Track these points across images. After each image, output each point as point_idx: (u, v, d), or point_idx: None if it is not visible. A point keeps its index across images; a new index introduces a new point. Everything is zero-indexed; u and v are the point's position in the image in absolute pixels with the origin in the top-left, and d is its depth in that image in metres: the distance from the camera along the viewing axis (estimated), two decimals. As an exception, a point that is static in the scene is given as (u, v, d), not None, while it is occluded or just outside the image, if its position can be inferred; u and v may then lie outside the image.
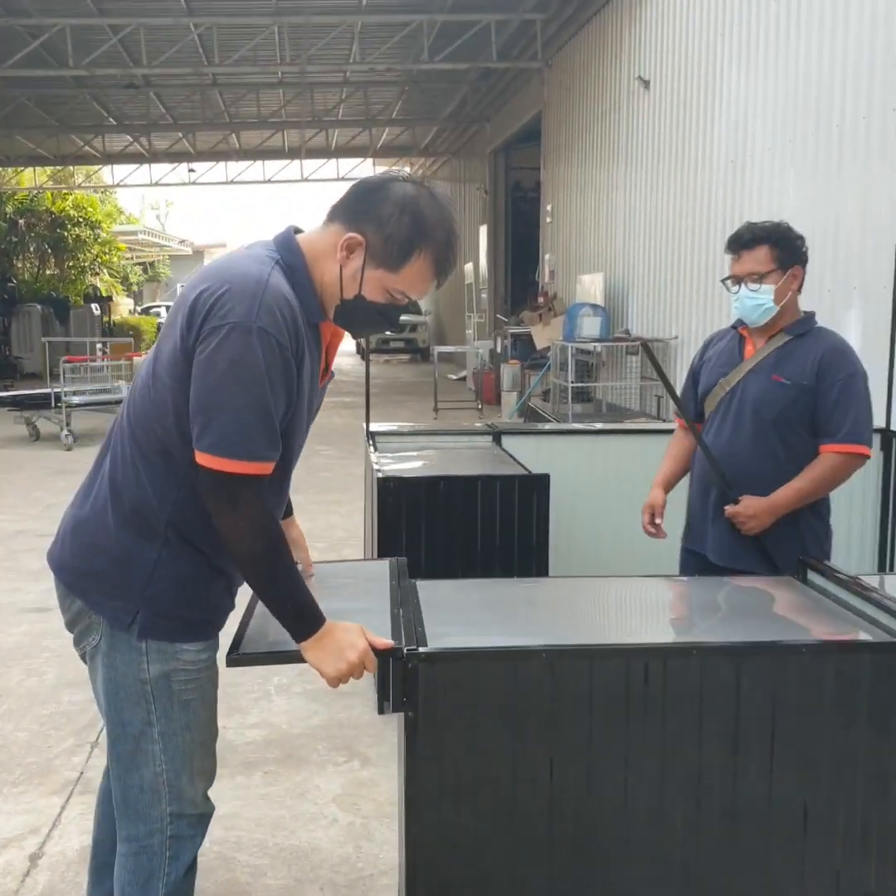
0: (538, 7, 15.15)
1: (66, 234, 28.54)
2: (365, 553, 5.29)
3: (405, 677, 2.15)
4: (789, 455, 3.28)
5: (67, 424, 12.08)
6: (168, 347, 2.00)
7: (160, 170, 29.12)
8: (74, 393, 12.42)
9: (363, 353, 27.81)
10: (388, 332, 27.24)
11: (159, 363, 2.02)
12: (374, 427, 5.35)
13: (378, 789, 3.63)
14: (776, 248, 3.25)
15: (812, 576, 2.80)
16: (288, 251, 2.05)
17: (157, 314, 35.52)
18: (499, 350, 15.67)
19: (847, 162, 7.60)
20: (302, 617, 2.03)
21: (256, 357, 1.89)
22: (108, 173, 30.02)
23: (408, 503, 4.16)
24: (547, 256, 16.55)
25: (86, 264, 30.11)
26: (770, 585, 2.91)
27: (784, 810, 2.19)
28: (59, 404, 12.14)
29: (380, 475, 4.17)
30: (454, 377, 19.32)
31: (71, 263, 29.40)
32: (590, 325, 11.37)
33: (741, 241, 3.29)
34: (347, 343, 35.82)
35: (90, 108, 22.18)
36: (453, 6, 15.01)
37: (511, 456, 4.78)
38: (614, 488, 5.09)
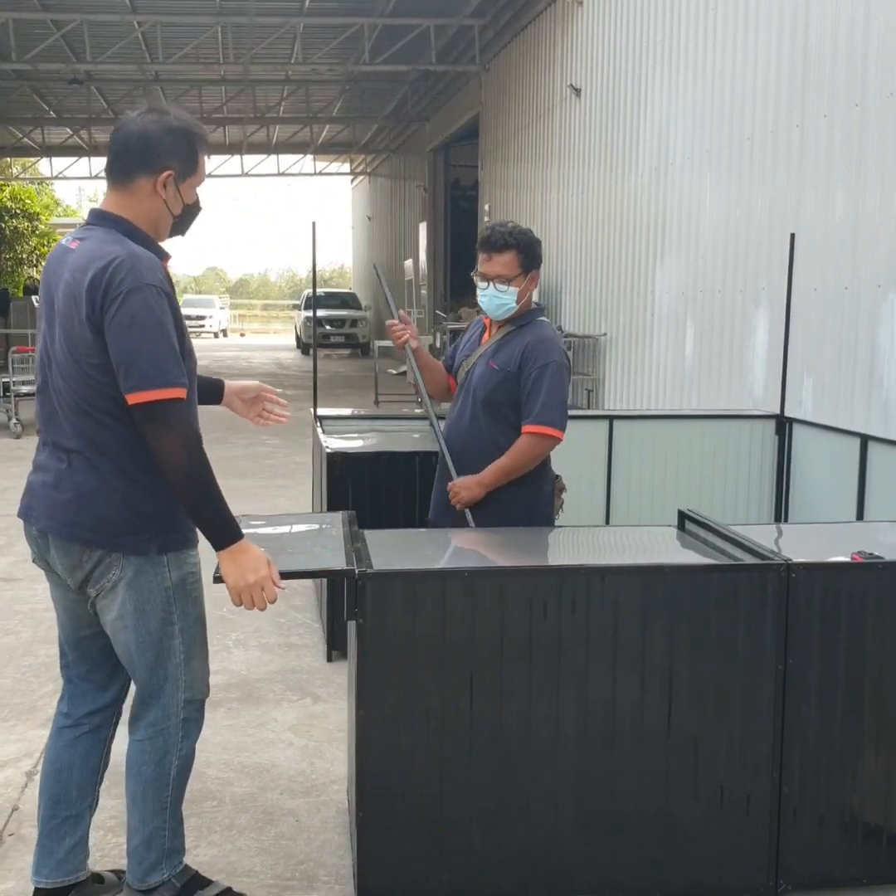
0: (476, 13, 15.71)
1: (3, 225, 28.44)
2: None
3: (356, 593, 2.65)
4: (501, 434, 3.63)
5: (16, 414, 12.40)
6: (78, 335, 2.45)
7: (100, 163, 29.20)
8: (23, 383, 12.73)
9: (304, 347, 28.20)
10: (327, 327, 27.32)
11: (75, 348, 2.47)
12: (321, 412, 5.87)
13: (328, 720, 4.16)
14: (522, 254, 3.62)
15: (689, 525, 3.41)
16: (116, 224, 2.53)
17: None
18: (438, 345, 16.19)
19: (757, 172, 8.27)
20: (224, 526, 2.52)
21: (151, 307, 2.42)
22: (46, 165, 30.03)
23: (353, 476, 4.69)
24: (484, 254, 17.08)
25: (24, 256, 30.00)
26: (650, 533, 3.51)
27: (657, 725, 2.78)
28: (8, 394, 12.46)
29: (328, 451, 4.69)
30: (394, 372, 19.78)
31: (9, 255, 29.29)
32: (523, 321, 11.94)
33: (492, 245, 3.62)
34: (288, 341, 35.21)
35: (30, 101, 22.28)
36: (394, 10, 15.50)
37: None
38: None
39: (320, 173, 34.18)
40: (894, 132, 6.50)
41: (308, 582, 5.91)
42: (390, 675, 2.70)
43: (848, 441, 5.48)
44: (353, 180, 35.92)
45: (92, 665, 2.76)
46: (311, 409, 6.01)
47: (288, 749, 3.91)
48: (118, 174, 2.57)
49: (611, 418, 6.15)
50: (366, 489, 4.68)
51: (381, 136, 27.04)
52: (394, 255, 26.39)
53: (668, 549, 3.25)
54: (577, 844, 2.81)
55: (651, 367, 10.32)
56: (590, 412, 6.67)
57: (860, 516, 5.23)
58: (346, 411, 6.38)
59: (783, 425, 6.11)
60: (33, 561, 2.74)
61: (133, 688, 2.77)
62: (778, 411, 6.18)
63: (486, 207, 17.26)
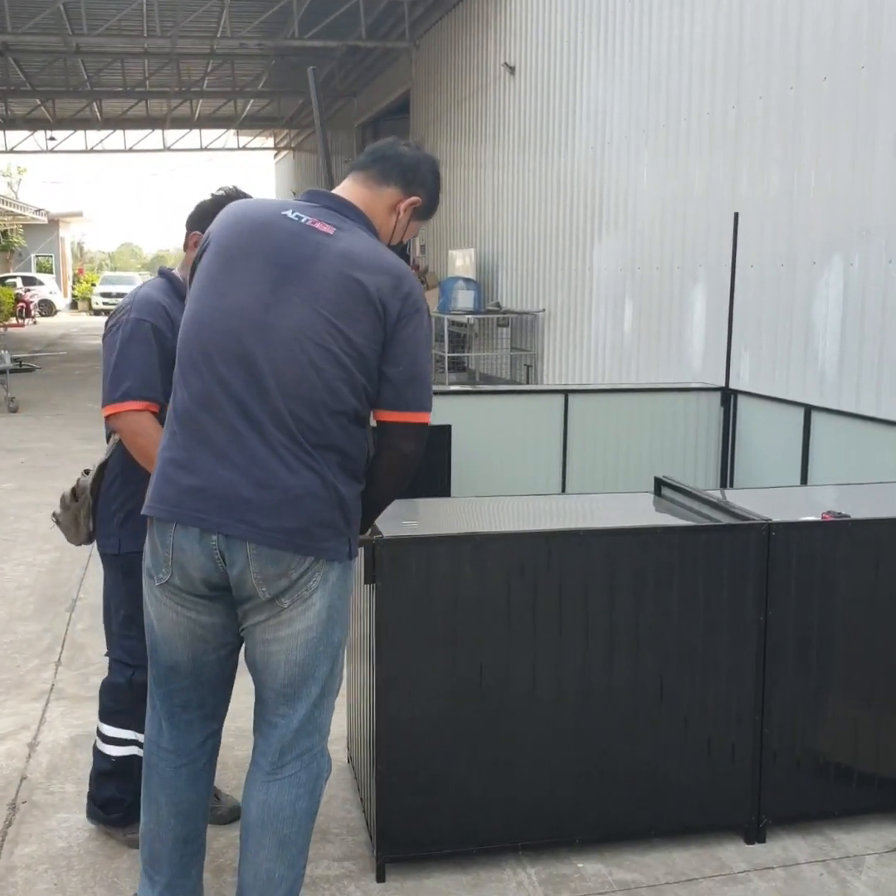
0: (407, -11, 15.73)
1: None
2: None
3: (374, 558, 2.80)
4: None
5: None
6: (362, 331, 2.32)
7: (16, 136, 28.55)
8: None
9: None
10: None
11: (342, 343, 2.31)
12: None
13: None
14: None
15: (666, 491, 3.63)
16: (369, 227, 2.45)
17: (13, 285, 34.66)
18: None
19: (694, 151, 8.53)
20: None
21: (427, 333, 2.44)
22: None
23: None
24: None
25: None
26: (631, 499, 3.72)
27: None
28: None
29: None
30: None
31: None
32: (464, 298, 12.14)
33: None
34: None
35: (-56, 73, 21.67)
36: (324, -15, 15.43)
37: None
38: (495, 440, 5.88)
39: (244, 148, 33.85)
40: (828, 114, 6.79)
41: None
42: (406, 636, 2.86)
43: (792, 411, 5.76)
44: (276, 155, 35.60)
45: (208, 691, 2.50)
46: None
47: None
48: (376, 172, 2.53)
49: (566, 392, 6.36)
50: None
51: (307, 110, 26.84)
52: (321, 232, 26.24)
53: (652, 513, 3.46)
54: (575, 791, 3.01)
55: (590, 342, 10.58)
56: (546, 387, 6.89)
57: (804, 481, 5.53)
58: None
59: (728, 397, 6.38)
60: (162, 577, 2.37)
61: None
62: (722, 384, 6.46)
63: (418, 184, 17.32)
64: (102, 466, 3.03)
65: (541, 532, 2.98)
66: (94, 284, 42.40)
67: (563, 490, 6.36)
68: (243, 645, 2.48)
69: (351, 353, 2.33)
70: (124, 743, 3.09)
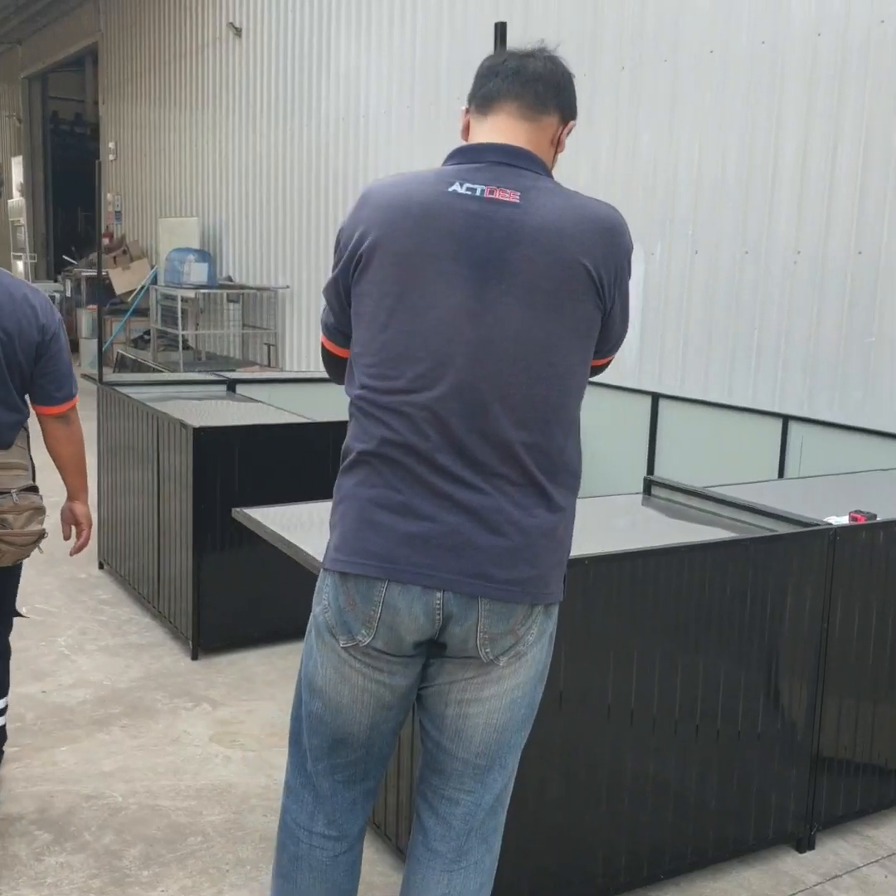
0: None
1: None
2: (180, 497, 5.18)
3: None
4: None
5: None
6: (581, 314, 1.91)
7: None
8: None
9: None
10: None
11: (574, 334, 1.91)
12: (110, 378, 5.24)
13: (245, 725, 3.78)
14: None
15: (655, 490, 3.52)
16: (545, 169, 2.00)
17: None
18: (68, 294, 14.91)
19: (455, 135, 8.42)
20: None
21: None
22: None
23: (223, 454, 4.26)
24: (109, 196, 15.95)
25: None
26: (619, 501, 3.57)
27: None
28: None
29: (195, 427, 4.21)
30: None
31: None
32: (197, 272, 11.35)
33: None
34: None
35: None
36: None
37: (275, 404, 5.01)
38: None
39: None
40: (628, 102, 6.94)
41: (93, 568, 5.32)
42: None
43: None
44: None
45: (376, 762, 2.08)
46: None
47: (229, 764, 3.51)
48: (532, 98, 1.99)
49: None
50: (235, 465, 4.27)
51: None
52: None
53: (667, 519, 3.30)
54: (656, 822, 2.82)
55: (346, 323, 10.24)
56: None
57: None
58: (136, 377, 5.72)
59: (656, 400, 6.28)
60: (360, 640, 1.91)
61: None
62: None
63: (111, 146, 16.05)
64: None
65: (640, 551, 2.73)
66: None
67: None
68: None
69: (579, 354, 1.95)
70: None
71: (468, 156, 2.00)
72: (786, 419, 5.18)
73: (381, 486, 1.89)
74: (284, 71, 11.13)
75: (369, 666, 1.94)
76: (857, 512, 3.20)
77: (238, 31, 11.99)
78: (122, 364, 13.23)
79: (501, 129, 2.00)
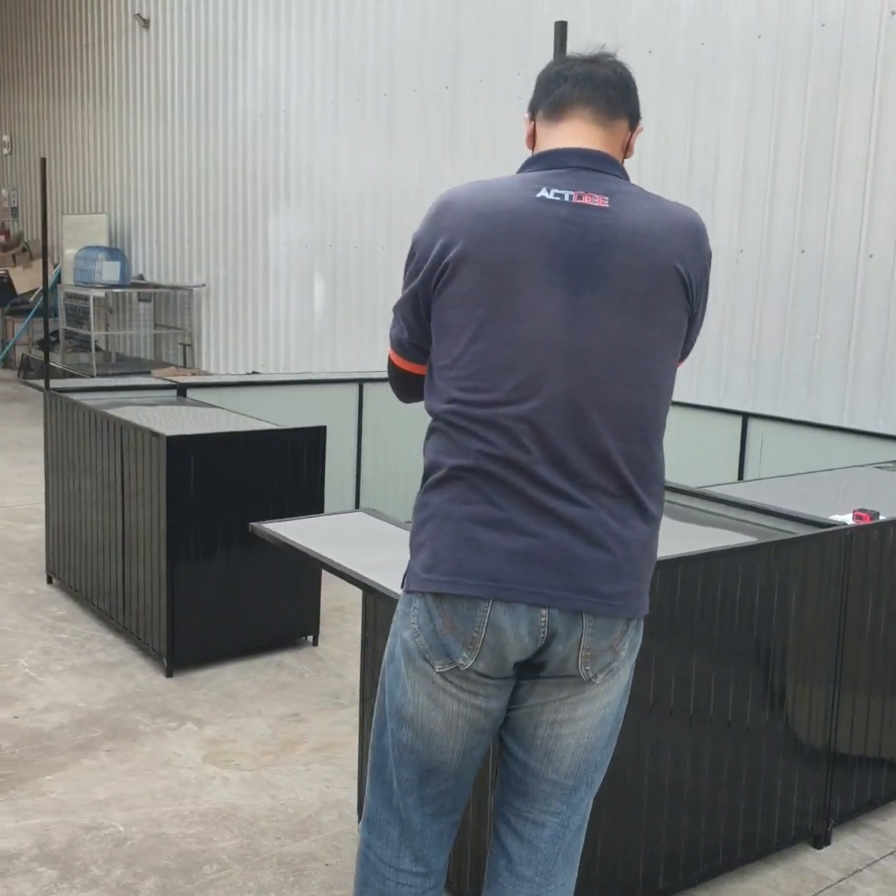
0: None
1: None
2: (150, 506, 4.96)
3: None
4: None
5: None
6: (672, 317, 1.89)
7: None
8: None
9: None
10: None
11: (665, 339, 1.89)
12: (57, 384, 5.04)
13: (237, 744, 3.65)
14: None
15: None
16: (624, 173, 1.97)
17: None
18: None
19: (398, 128, 8.31)
20: None
21: None
22: None
23: (196, 464, 4.11)
24: (3, 191, 15.37)
25: None
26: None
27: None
28: None
29: (168, 435, 4.04)
30: None
31: None
32: (109, 270, 10.98)
33: None
34: None
35: None
36: None
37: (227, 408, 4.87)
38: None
39: None
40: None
41: (41, 582, 5.09)
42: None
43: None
44: None
45: (463, 791, 2.01)
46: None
47: (228, 785, 3.37)
48: (605, 105, 1.94)
49: (360, 382, 5.99)
50: (204, 474, 4.12)
51: None
52: None
53: (665, 520, 3.27)
54: (688, 826, 2.81)
55: (268, 322, 10.05)
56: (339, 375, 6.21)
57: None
58: (81, 383, 5.47)
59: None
60: (462, 663, 1.83)
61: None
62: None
63: (6, 139, 15.46)
64: None
65: (666, 560, 2.71)
66: None
67: (357, 501, 6.00)
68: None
69: (670, 358, 1.92)
70: None
71: (548, 161, 1.93)
72: (745, 416, 5.27)
73: (479, 502, 1.82)
74: (197, 64, 10.85)
75: (465, 690, 1.87)
76: (860, 510, 3.25)
77: (145, 22, 11.66)
78: (27, 366, 12.75)
79: (577, 134, 1.95)
